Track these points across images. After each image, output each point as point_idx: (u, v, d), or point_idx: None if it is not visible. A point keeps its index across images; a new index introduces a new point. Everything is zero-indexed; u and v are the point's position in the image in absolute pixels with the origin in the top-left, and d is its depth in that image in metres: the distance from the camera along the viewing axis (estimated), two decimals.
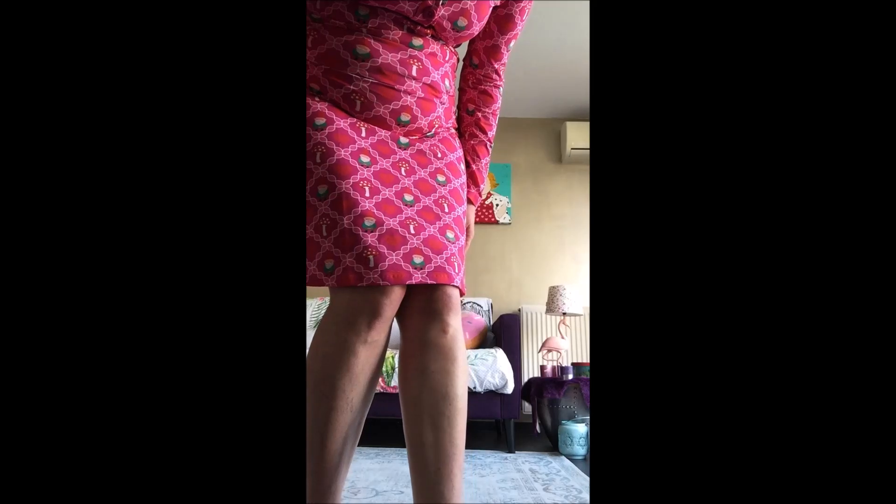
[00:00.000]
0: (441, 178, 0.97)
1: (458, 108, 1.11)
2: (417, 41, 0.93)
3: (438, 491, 0.87)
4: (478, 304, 3.30)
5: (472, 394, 2.54)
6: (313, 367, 0.88)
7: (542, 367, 2.89)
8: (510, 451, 2.56)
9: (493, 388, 2.53)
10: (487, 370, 2.52)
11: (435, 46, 0.96)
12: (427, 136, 0.98)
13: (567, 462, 2.32)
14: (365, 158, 0.90)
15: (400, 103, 0.93)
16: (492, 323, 3.22)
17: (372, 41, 0.91)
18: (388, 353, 2.54)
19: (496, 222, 3.88)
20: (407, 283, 0.86)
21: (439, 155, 0.98)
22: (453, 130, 1.05)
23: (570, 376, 2.76)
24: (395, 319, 0.96)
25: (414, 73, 0.93)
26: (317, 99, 0.93)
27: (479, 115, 1.08)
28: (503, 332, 2.72)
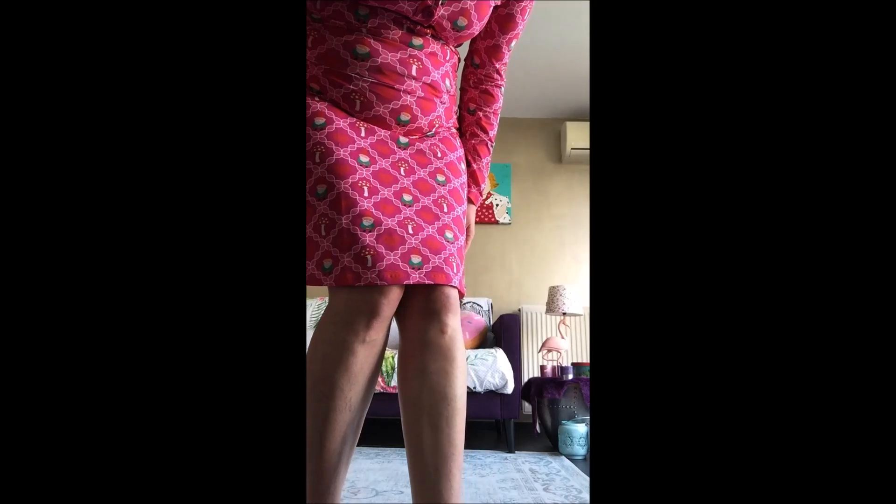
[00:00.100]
0: (441, 177, 0.96)
1: (460, 107, 1.11)
2: (417, 41, 0.93)
3: (437, 491, 0.87)
4: (478, 304, 3.30)
5: (472, 394, 2.54)
6: (312, 367, 0.88)
7: (542, 367, 2.89)
8: (510, 451, 2.55)
9: (493, 388, 2.53)
10: (487, 370, 2.52)
11: (435, 46, 0.96)
12: (427, 136, 0.98)
13: (567, 462, 2.32)
14: (364, 158, 0.90)
15: (400, 103, 0.93)
16: (492, 323, 3.21)
17: (372, 41, 0.91)
18: (388, 353, 2.54)
19: (496, 222, 3.88)
20: (405, 282, 0.86)
21: (439, 155, 0.98)
22: (454, 130, 1.05)
23: (570, 376, 2.76)
24: (394, 319, 0.96)
25: (414, 72, 0.93)
26: (317, 99, 0.93)
27: (481, 114, 1.08)
28: (503, 332, 2.72)
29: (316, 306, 3.23)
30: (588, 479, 1.98)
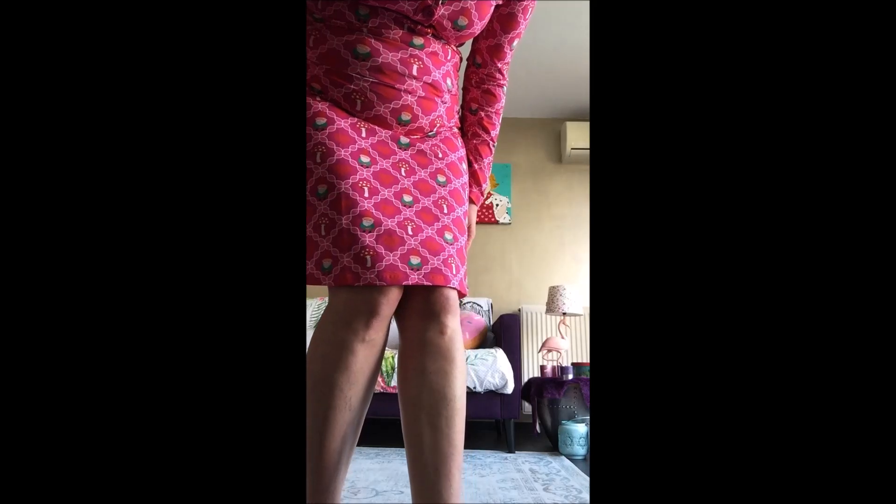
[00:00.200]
0: (441, 178, 0.96)
1: (462, 107, 1.11)
2: (418, 40, 0.93)
3: (437, 491, 0.88)
4: (478, 304, 3.30)
5: (472, 394, 2.54)
6: (312, 367, 0.88)
7: (542, 367, 2.89)
8: (510, 451, 2.55)
9: (493, 388, 2.53)
10: (487, 370, 2.52)
11: (436, 45, 0.96)
12: (429, 136, 0.98)
13: (567, 462, 2.32)
14: (365, 159, 0.90)
15: (400, 102, 0.93)
16: (492, 323, 3.21)
17: (372, 41, 0.91)
18: (389, 353, 2.54)
19: (496, 222, 3.88)
20: (403, 283, 0.87)
21: (440, 155, 0.98)
22: (455, 130, 1.04)
23: (570, 376, 2.76)
24: (393, 320, 0.96)
25: (414, 72, 0.93)
26: (318, 99, 0.93)
27: (483, 114, 1.08)
28: (503, 332, 2.72)
29: (316, 306, 3.23)
30: (588, 479, 1.98)
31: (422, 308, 0.93)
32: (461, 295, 0.96)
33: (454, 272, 0.92)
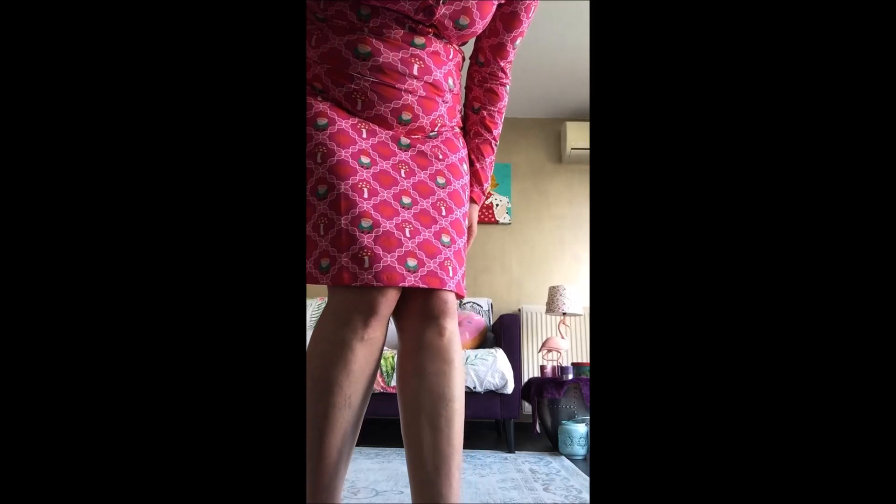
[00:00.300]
0: (441, 180, 0.97)
1: (464, 106, 1.11)
2: (419, 40, 0.93)
3: (437, 490, 0.88)
4: (478, 304, 3.30)
5: (472, 394, 2.54)
6: (311, 365, 0.89)
7: (542, 367, 2.89)
8: (510, 451, 2.55)
9: (493, 388, 2.53)
10: (487, 370, 2.52)
11: (438, 45, 0.96)
12: (430, 137, 0.98)
13: (567, 462, 2.32)
14: (365, 160, 0.91)
15: (401, 102, 0.93)
16: (492, 323, 3.21)
17: (373, 40, 0.91)
18: (389, 353, 2.54)
19: (496, 222, 3.88)
20: (400, 285, 0.88)
21: (441, 156, 0.98)
22: (457, 130, 1.04)
23: (570, 376, 2.76)
24: (393, 321, 0.96)
25: (415, 71, 0.93)
26: (319, 98, 0.93)
27: (485, 113, 1.08)
28: (503, 332, 2.72)
29: (316, 306, 3.23)
30: (588, 479, 1.98)
31: (421, 311, 0.94)
32: (459, 296, 0.97)
33: (451, 275, 0.92)
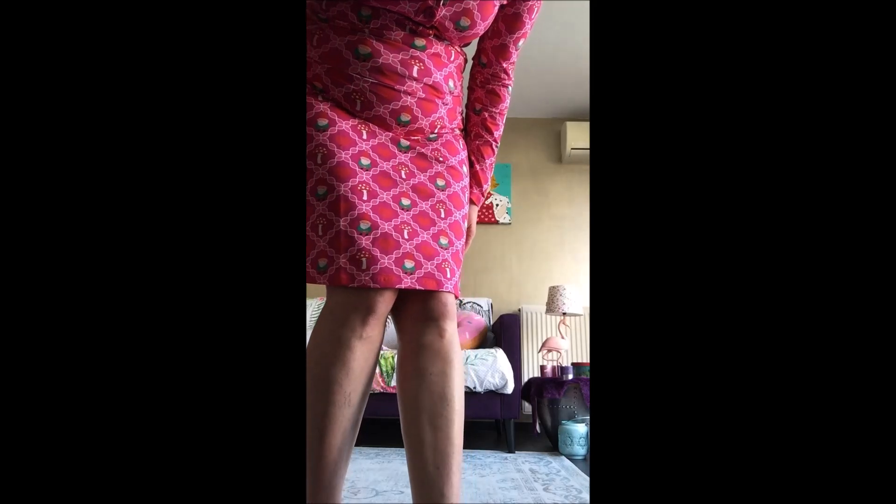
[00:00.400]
0: (440, 181, 0.97)
1: (466, 107, 1.11)
2: (420, 42, 0.93)
3: (437, 490, 0.88)
4: (478, 304, 3.30)
5: (472, 394, 2.54)
6: (311, 365, 0.90)
7: (542, 367, 2.89)
8: (510, 451, 2.55)
9: (493, 388, 2.53)
10: (487, 370, 2.52)
11: (439, 47, 0.95)
12: (430, 139, 0.98)
13: (567, 462, 2.32)
14: (365, 161, 0.91)
15: (399, 103, 0.93)
16: (492, 323, 3.21)
17: (374, 41, 0.91)
18: (389, 353, 2.54)
19: (496, 222, 3.88)
20: (397, 286, 0.88)
21: (440, 158, 0.98)
22: (458, 132, 1.04)
23: (570, 376, 2.76)
24: (392, 323, 0.97)
25: (415, 73, 0.93)
26: (319, 99, 0.93)
27: (486, 114, 1.07)
28: (503, 332, 2.72)
29: (316, 306, 3.23)
30: (588, 479, 1.98)
31: (420, 313, 0.95)
32: (455, 297, 0.97)
33: (448, 277, 0.93)
